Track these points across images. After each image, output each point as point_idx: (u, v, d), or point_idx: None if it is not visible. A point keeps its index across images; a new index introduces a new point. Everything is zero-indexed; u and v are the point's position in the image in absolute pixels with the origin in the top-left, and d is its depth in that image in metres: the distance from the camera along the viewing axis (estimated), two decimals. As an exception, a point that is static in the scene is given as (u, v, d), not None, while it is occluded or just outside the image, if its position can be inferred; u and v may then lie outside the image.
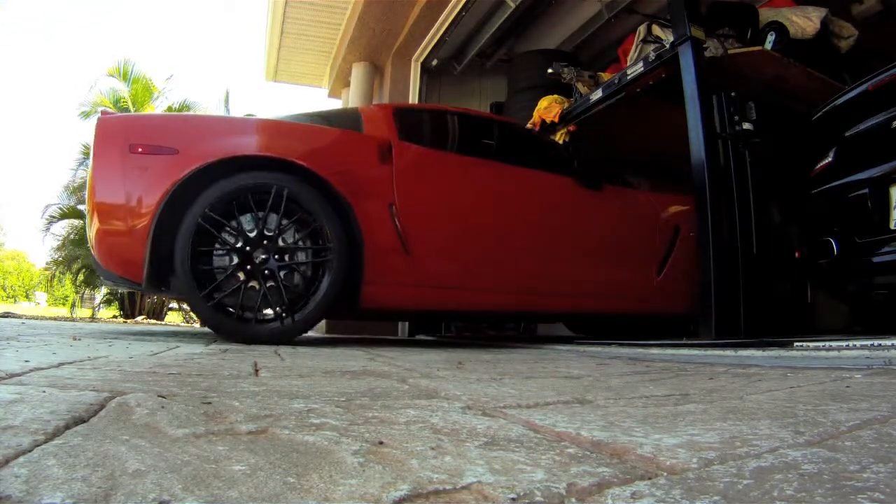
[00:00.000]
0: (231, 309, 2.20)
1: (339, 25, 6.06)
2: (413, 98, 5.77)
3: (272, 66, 7.24)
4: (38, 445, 0.51)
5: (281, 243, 2.27)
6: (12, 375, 0.93)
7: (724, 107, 2.82)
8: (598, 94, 3.68)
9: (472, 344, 3.21)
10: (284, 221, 2.27)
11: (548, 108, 4.05)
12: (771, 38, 3.35)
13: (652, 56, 3.22)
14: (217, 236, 2.20)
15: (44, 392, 0.77)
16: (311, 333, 5.70)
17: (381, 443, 0.58)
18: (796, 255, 3.79)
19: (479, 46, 5.63)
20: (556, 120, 3.99)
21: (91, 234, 2.26)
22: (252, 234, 2.23)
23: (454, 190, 2.75)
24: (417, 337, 4.68)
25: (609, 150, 4.56)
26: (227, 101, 12.24)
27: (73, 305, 13.05)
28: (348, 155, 2.53)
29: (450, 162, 2.85)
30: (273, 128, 2.56)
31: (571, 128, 4.03)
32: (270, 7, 6.12)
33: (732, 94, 2.83)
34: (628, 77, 3.41)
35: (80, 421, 0.62)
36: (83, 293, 12.40)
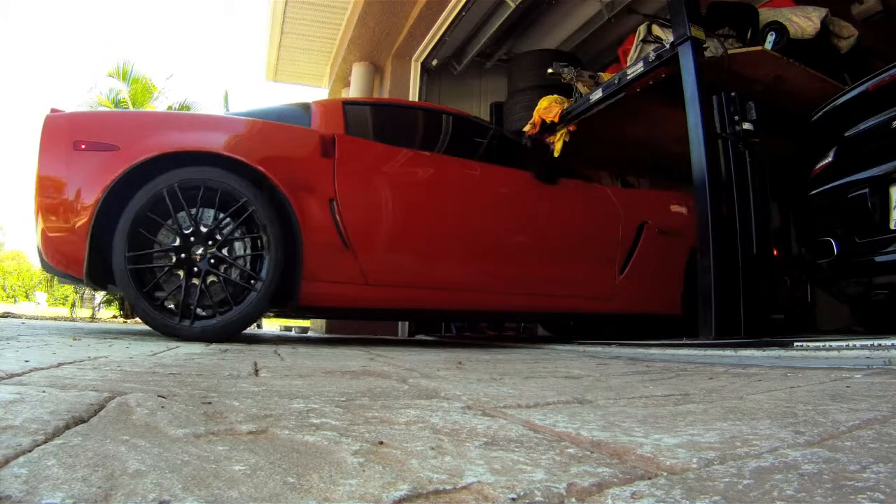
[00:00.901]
0: (198, 309, 2.22)
1: (339, 25, 6.06)
2: (413, 98, 5.77)
3: (272, 65, 7.24)
4: (38, 445, 0.51)
5: (211, 238, 2.26)
6: (12, 375, 0.93)
7: (724, 107, 2.81)
8: (598, 94, 3.68)
9: (471, 344, 3.21)
10: (209, 214, 2.26)
11: (548, 108, 4.05)
12: (771, 38, 3.35)
13: (652, 56, 3.22)
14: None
15: (44, 392, 0.77)
16: (311, 333, 5.70)
17: (381, 443, 0.58)
18: (793, 255, 3.79)
19: (479, 46, 5.63)
20: (556, 120, 3.99)
21: (37, 230, 2.28)
22: (186, 232, 2.23)
23: (401, 184, 2.68)
24: (417, 337, 4.69)
25: (608, 150, 4.57)
26: (226, 101, 12.24)
27: (73, 305, 13.04)
28: (288, 149, 2.50)
29: (398, 156, 2.76)
30: (212, 123, 2.55)
31: (571, 128, 4.03)
32: (270, 7, 6.12)
33: (732, 94, 2.83)
34: (628, 77, 3.40)
35: (80, 421, 0.62)
36: (83, 293, 12.39)
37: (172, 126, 2.47)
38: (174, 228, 2.22)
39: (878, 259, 2.19)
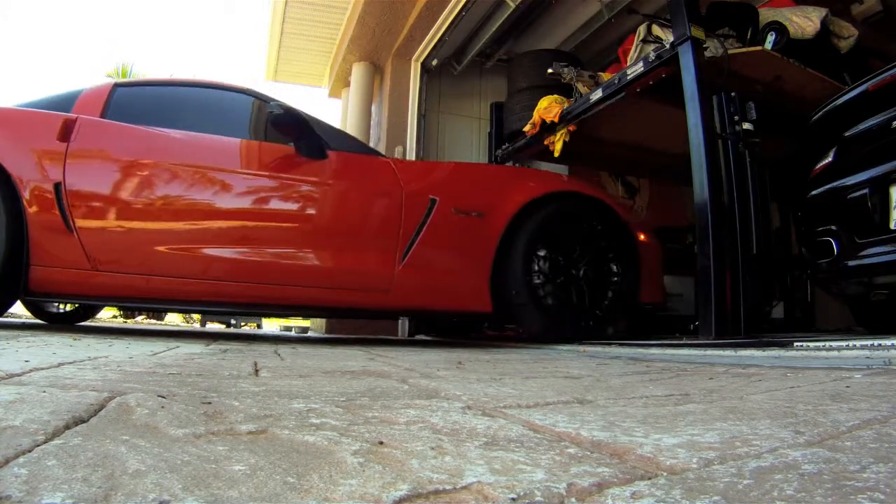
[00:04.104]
0: None
1: (339, 25, 6.06)
2: (413, 98, 5.76)
3: (272, 66, 7.24)
4: (38, 445, 0.51)
5: None
6: (12, 375, 0.93)
7: (724, 107, 2.82)
8: (598, 94, 3.68)
9: (471, 344, 3.21)
10: None
11: (548, 108, 4.05)
12: (771, 38, 3.35)
13: (652, 56, 3.22)
14: None
15: (44, 392, 0.77)
16: (311, 333, 5.70)
17: (381, 443, 0.58)
18: (793, 255, 3.78)
19: (479, 46, 5.62)
20: (556, 120, 3.99)
21: None
22: None
23: (142, 167, 2.57)
24: (417, 337, 4.69)
25: (608, 150, 4.57)
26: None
27: (72, 305, 13.00)
28: (25, 133, 2.51)
29: (144, 137, 2.63)
30: None
31: (571, 128, 4.03)
32: (271, 7, 6.13)
33: (732, 94, 2.83)
34: (628, 77, 3.41)
35: (80, 421, 0.62)
36: (83, 293, 12.35)
37: None
38: None
39: (879, 259, 2.19)
